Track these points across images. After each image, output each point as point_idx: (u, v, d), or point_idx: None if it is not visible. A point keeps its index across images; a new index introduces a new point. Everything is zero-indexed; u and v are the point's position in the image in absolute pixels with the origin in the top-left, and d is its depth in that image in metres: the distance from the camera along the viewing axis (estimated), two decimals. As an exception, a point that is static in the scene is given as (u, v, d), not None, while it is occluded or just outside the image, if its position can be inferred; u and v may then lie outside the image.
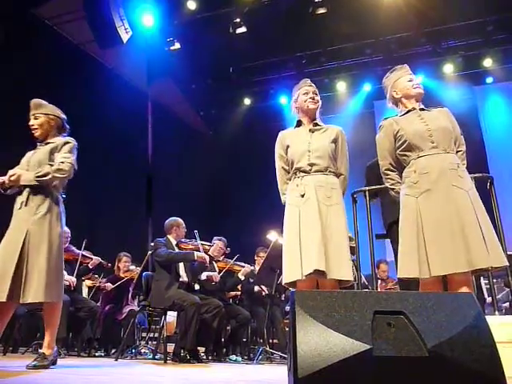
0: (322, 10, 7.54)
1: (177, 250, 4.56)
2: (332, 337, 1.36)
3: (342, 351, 1.33)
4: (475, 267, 2.34)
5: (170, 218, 4.72)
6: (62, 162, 2.94)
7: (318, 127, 2.95)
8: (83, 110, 6.94)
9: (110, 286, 5.62)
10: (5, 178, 2.90)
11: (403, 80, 2.80)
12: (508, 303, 5.27)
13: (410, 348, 1.35)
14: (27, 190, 2.90)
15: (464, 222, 2.40)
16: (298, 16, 7.86)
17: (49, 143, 3.07)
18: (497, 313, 3.26)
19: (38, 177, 2.88)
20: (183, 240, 4.67)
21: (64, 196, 3.09)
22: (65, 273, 4.79)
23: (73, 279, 4.85)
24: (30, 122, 3.11)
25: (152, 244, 4.60)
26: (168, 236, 4.63)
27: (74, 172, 3.05)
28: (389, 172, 2.77)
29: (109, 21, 6.96)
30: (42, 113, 3.12)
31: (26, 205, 2.87)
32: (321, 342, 1.35)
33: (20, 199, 2.92)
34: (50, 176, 2.89)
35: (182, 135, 9.84)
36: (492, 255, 2.35)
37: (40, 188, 2.91)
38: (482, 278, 4.65)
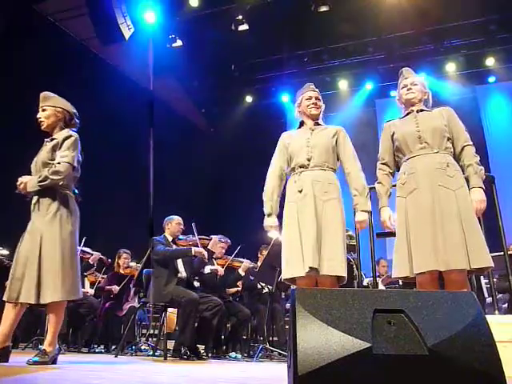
0: (324, 8, 7.53)
1: (174, 247, 4.58)
2: (332, 335, 1.36)
3: (342, 349, 1.33)
4: (450, 268, 2.40)
5: (166, 218, 4.77)
6: (59, 163, 2.90)
7: (318, 126, 2.99)
8: (84, 106, 6.90)
9: (116, 288, 5.62)
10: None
11: (400, 86, 2.91)
12: (507, 304, 5.26)
13: (409, 346, 1.35)
14: (36, 193, 2.92)
15: (445, 222, 2.46)
16: (300, 14, 7.85)
17: (54, 139, 3.04)
18: (497, 312, 3.26)
19: (39, 182, 2.87)
20: (180, 237, 4.69)
21: (76, 192, 3.06)
22: None
23: None
24: (38, 115, 3.09)
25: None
26: (164, 234, 4.67)
27: (76, 167, 3.00)
28: (382, 166, 2.87)
29: (111, 17, 6.95)
30: (49, 105, 3.09)
31: (38, 208, 2.90)
32: (321, 339, 1.36)
33: (32, 202, 2.94)
34: (48, 180, 2.87)
35: (184, 132, 9.83)
36: (472, 256, 2.39)
37: (48, 189, 2.91)
38: (482, 277, 4.64)
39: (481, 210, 2.56)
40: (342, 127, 3.02)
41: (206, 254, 4.46)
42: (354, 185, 2.84)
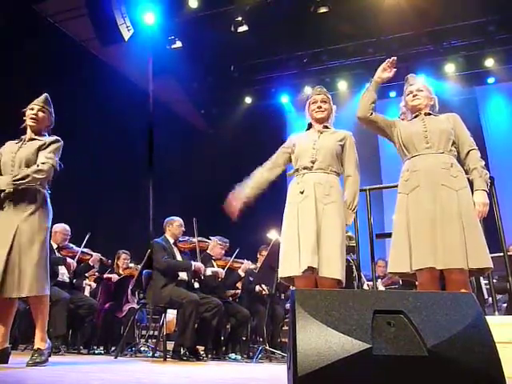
0: (323, 9, 7.53)
1: (175, 249, 4.59)
2: (332, 336, 1.36)
3: (342, 350, 1.33)
4: (448, 267, 2.42)
5: (167, 218, 4.77)
6: (43, 163, 2.92)
7: (327, 129, 2.98)
8: (84, 107, 6.93)
9: (116, 277, 5.62)
10: None
11: (406, 93, 2.92)
12: (506, 304, 5.27)
13: (409, 347, 1.35)
14: (14, 190, 2.88)
15: (445, 221, 2.47)
16: (299, 15, 7.85)
17: (35, 139, 3.05)
18: (496, 313, 3.26)
19: (15, 180, 2.85)
20: (181, 239, 4.69)
21: (49, 192, 3.06)
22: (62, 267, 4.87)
23: (74, 263, 4.87)
24: (34, 111, 3.09)
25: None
26: (165, 235, 4.66)
27: (55, 172, 3.01)
28: None
29: (110, 18, 6.96)
30: (48, 109, 3.14)
31: (15, 203, 2.87)
32: (320, 340, 1.36)
33: (8, 197, 2.89)
34: (29, 178, 2.87)
35: (183, 133, 9.84)
36: (471, 257, 2.40)
37: (29, 187, 2.90)
38: (482, 278, 4.64)
39: (483, 213, 2.57)
40: (351, 133, 2.99)
41: (202, 268, 4.57)
42: (350, 190, 2.85)
